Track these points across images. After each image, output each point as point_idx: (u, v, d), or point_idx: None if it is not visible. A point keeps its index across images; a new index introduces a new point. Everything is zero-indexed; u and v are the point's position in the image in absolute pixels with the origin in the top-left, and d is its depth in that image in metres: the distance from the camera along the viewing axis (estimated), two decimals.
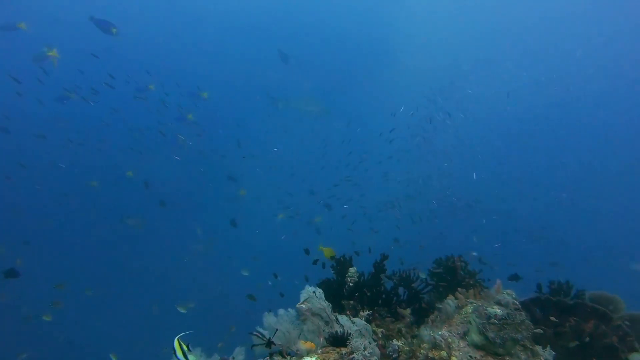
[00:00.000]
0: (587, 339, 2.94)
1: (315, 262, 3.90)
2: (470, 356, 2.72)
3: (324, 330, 2.91)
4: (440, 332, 2.92)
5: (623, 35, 22.88)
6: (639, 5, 21.04)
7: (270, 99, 18.89)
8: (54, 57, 10.60)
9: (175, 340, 2.59)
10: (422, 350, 2.88)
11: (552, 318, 3.23)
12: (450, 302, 3.21)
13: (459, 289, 3.37)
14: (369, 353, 2.63)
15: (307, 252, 4.83)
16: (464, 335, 2.88)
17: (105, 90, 12.50)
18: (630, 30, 22.34)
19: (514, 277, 4.47)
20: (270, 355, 2.82)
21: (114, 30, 9.13)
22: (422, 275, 3.84)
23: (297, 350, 2.74)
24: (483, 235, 15.55)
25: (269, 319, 2.99)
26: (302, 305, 3.01)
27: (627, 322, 3.07)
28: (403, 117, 14.42)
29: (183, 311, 11.61)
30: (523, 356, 2.74)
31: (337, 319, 3.02)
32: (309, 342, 2.78)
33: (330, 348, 2.69)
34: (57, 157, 17.71)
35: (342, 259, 3.84)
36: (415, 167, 17.61)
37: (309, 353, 2.69)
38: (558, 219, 20.51)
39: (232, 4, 25.19)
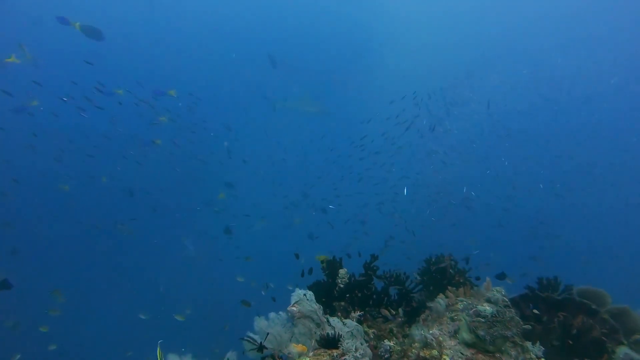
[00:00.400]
0: (575, 332, 2.98)
1: (302, 274, 3.91)
2: (461, 354, 2.74)
3: (315, 333, 2.91)
4: (431, 331, 2.93)
5: (612, 35, 23.37)
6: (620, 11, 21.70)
7: (268, 100, 18.94)
8: (14, 60, 10.36)
9: (158, 349, 2.60)
10: (413, 350, 2.89)
11: (534, 311, 3.27)
12: (440, 300, 3.23)
13: (449, 287, 3.40)
14: (360, 354, 2.63)
15: (297, 256, 4.84)
16: (454, 334, 2.90)
17: (99, 98, 12.34)
18: (618, 32, 22.88)
19: (501, 276, 4.52)
20: (263, 359, 2.81)
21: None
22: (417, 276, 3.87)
23: (289, 354, 2.72)
24: (476, 234, 15.68)
25: (260, 323, 2.97)
26: (293, 308, 3.00)
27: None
28: (394, 120, 14.44)
29: (181, 319, 11.50)
30: (513, 352, 2.76)
31: (328, 321, 3.02)
32: (300, 345, 2.78)
33: (322, 350, 2.69)
34: (48, 166, 17.48)
35: (332, 260, 3.85)
36: (407, 169, 17.70)
37: (300, 356, 2.68)
38: (551, 215, 20.72)
39: (221, 10, 25.23)
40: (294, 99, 19.12)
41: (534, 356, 2.76)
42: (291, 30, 25.96)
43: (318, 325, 2.96)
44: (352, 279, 3.69)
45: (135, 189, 16.54)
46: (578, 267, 16.33)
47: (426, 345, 2.86)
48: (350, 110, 24.50)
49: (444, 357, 2.72)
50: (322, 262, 3.85)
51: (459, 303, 3.14)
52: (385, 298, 3.55)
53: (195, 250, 18.00)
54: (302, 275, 3.83)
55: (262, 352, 2.81)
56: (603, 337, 2.90)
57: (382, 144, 15.37)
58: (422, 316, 3.28)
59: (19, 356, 10.27)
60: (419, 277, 3.84)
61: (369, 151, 14.52)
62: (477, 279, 3.71)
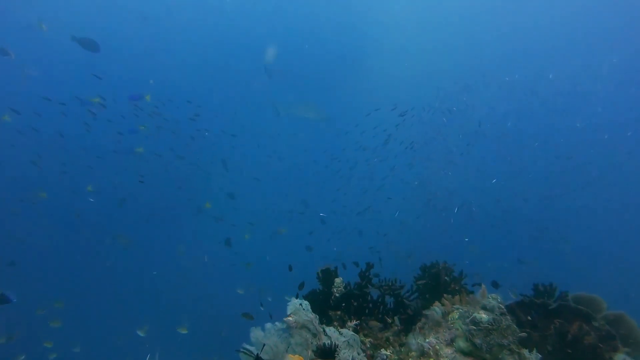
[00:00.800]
0: (571, 338, 2.98)
1: (297, 296, 3.92)
2: None
3: (311, 343, 2.90)
4: (427, 340, 2.93)
5: (611, 36, 23.57)
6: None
7: (273, 106, 19.03)
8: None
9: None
10: (410, 359, 2.89)
11: (528, 317, 3.27)
12: (436, 308, 3.22)
13: (445, 295, 3.39)
14: None
15: (290, 268, 4.86)
16: (451, 342, 2.90)
17: (99, 110, 12.36)
18: (616, 33, 23.10)
19: (495, 284, 4.52)
20: None
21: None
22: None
23: None
24: (474, 241, 15.65)
25: (256, 333, 2.96)
26: (289, 318, 2.99)
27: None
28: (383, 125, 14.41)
29: (184, 332, 11.39)
30: None
31: (324, 331, 3.01)
32: (297, 356, 2.76)
33: None
34: (46, 178, 17.46)
35: (328, 269, 3.84)
36: (404, 174, 17.73)
37: None
38: (551, 219, 20.70)
39: (214, 17, 25.41)
40: (297, 105, 19.23)
41: None
42: (286, 35, 26.06)
43: (314, 335, 2.96)
44: (348, 287, 3.68)
45: (131, 198, 16.51)
46: (574, 272, 16.31)
47: (423, 353, 2.85)
48: (348, 117, 24.59)
49: None
50: (317, 273, 3.84)
51: (455, 311, 3.13)
52: (381, 307, 3.54)
53: (188, 258, 17.92)
54: (297, 296, 3.83)
55: None
56: (599, 344, 2.90)
57: (376, 146, 15.45)
58: (419, 324, 3.27)
59: (23, 357, 10.24)
60: (415, 286, 3.84)
61: (363, 156, 14.58)
62: (474, 285, 3.70)
